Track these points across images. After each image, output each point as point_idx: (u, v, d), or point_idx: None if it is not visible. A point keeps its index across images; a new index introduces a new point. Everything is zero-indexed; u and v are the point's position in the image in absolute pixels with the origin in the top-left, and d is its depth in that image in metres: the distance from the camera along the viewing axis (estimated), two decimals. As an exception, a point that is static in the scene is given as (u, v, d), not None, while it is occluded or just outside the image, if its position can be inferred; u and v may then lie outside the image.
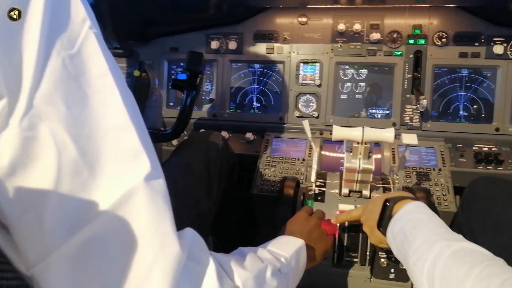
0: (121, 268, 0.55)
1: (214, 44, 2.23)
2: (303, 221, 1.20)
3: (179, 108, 1.63)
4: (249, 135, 2.17)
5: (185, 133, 2.26)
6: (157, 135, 1.60)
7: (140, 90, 1.58)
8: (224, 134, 2.18)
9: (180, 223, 1.23)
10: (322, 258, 1.22)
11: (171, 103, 2.33)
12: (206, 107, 2.29)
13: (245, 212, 2.00)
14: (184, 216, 1.26)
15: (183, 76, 1.51)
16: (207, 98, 2.30)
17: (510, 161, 1.92)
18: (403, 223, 1.00)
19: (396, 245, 1.01)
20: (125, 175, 0.56)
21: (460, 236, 0.88)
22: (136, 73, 1.49)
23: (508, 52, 1.98)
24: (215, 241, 1.85)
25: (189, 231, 0.71)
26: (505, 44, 1.98)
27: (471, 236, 1.42)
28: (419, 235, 0.91)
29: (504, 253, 1.14)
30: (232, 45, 2.22)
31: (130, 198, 0.56)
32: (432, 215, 0.99)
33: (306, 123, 1.55)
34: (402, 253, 0.97)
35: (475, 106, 2.04)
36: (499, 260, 0.78)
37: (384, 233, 1.08)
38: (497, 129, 1.98)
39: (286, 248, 0.98)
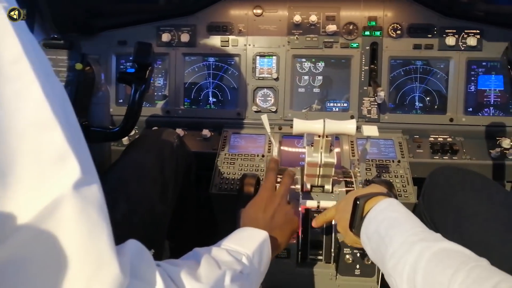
0: None
1: (166, 37, 2.11)
2: (266, 203, 1.12)
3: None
4: (206, 132, 2.07)
5: (137, 131, 2.13)
6: (104, 134, 1.48)
7: (84, 86, 1.45)
8: (179, 131, 2.07)
9: (132, 230, 1.13)
10: (288, 241, 1.14)
11: (121, 100, 2.18)
12: (159, 103, 2.17)
13: (204, 213, 1.91)
14: (136, 222, 1.15)
15: (130, 70, 1.39)
16: (160, 94, 2.18)
17: (464, 150, 1.96)
18: (377, 223, 0.91)
19: (372, 247, 0.92)
20: (48, 183, 0.46)
21: (439, 235, 0.83)
22: (78, 66, 1.35)
23: (460, 43, 2.01)
24: (171, 245, 1.74)
25: (132, 244, 0.61)
26: (456, 36, 2.01)
27: (433, 226, 1.42)
28: (395, 237, 0.84)
29: (468, 243, 1.13)
30: (185, 37, 2.11)
31: (56, 211, 0.46)
32: (407, 212, 0.93)
33: (265, 118, 1.48)
34: (379, 257, 0.89)
35: (429, 98, 2.06)
36: (483, 261, 0.73)
37: (358, 234, 0.99)
38: (451, 120, 2.02)
39: (248, 244, 0.89)
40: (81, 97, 1.41)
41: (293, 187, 1.42)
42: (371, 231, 0.93)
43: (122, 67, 2.18)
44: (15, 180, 0.44)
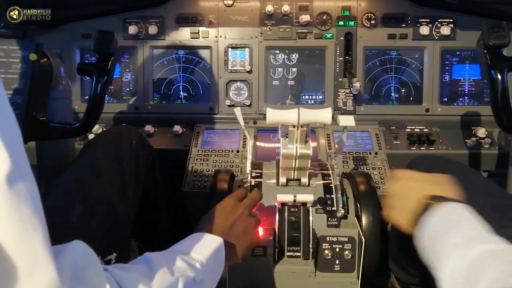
0: None
1: (132, 29, 2.01)
2: (229, 210, 1.09)
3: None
4: (177, 128, 1.98)
5: (104, 129, 2.02)
6: (63, 129, 1.38)
7: (40, 78, 1.34)
8: (149, 128, 1.97)
9: (91, 233, 1.04)
10: (245, 254, 1.10)
11: (86, 97, 2.06)
12: (127, 99, 2.07)
13: (177, 212, 1.82)
14: (95, 224, 1.07)
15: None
16: (128, 89, 2.08)
17: (440, 141, 1.94)
18: (441, 224, 0.86)
19: (427, 242, 0.87)
20: None
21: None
22: (33, 56, 1.24)
23: (434, 32, 1.99)
24: (141, 247, 1.65)
25: (77, 246, 0.54)
26: (430, 25, 1.99)
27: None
28: (456, 236, 0.79)
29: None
30: (153, 29, 2.01)
31: None
32: (474, 216, 0.86)
33: (238, 111, 1.41)
34: (432, 253, 0.84)
35: (405, 88, 2.04)
36: None
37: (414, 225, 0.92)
38: (427, 110, 2.00)
39: (202, 250, 0.88)
40: (37, 90, 1.30)
41: (268, 181, 1.36)
42: (433, 229, 0.86)
43: (87, 61, 2.06)
44: None
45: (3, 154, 0.43)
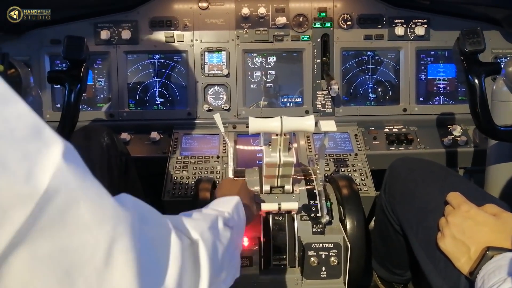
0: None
1: (104, 34, 1.94)
2: (230, 184, 1.18)
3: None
4: (155, 135, 1.93)
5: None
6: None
7: (9, 90, 1.27)
8: (125, 135, 1.92)
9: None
10: (256, 215, 1.19)
11: (58, 105, 1.98)
12: (101, 106, 2.00)
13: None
14: None
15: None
16: (102, 96, 2.01)
17: (418, 140, 1.97)
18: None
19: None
20: (39, 163, 0.42)
21: None
22: (-1, 68, 1.17)
23: (409, 33, 2.02)
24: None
25: (127, 197, 0.60)
26: (405, 26, 2.01)
27: (395, 219, 1.39)
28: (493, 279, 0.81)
29: (433, 237, 1.10)
30: (126, 34, 1.95)
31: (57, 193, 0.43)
32: None
33: (217, 117, 1.38)
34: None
35: (382, 88, 2.05)
36: None
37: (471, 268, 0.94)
38: (404, 110, 2.02)
39: (225, 206, 0.94)
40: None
41: (252, 189, 1.34)
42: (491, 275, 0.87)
43: (57, 68, 1.98)
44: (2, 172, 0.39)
45: (49, 132, 0.45)
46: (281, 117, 1.15)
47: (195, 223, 0.72)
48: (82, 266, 0.46)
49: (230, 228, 0.85)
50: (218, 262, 0.75)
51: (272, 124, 1.15)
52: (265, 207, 1.22)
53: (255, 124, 1.14)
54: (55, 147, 0.45)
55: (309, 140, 1.92)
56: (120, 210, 0.51)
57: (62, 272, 0.45)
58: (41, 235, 0.43)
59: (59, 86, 1.96)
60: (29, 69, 1.46)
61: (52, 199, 0.43)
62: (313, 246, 1.25)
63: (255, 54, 2.02)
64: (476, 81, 1.39)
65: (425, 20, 2.01)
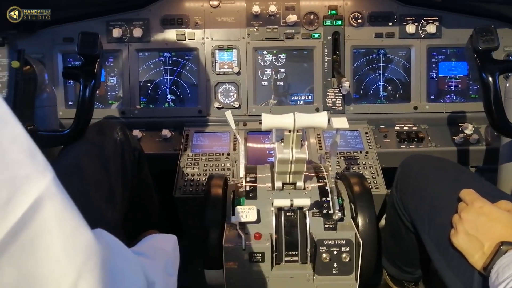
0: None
1: (116, 32, 1.96)
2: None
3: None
4: (166, 132, 1.94)
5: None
6: (54, 137, 1.32)
7: (25, 87, 1.29)
8: (136, 132, 1.93)
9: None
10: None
11: (71, 102, 2.01)
12: (113, 104, 2.02)
13: (166, 218, 1.78)
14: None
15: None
16: (114, 94, 2.03)
17: (429, 138, 1.96)
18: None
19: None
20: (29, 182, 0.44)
21: None
22: (15, 64, 1.19)
23: (420, 31, 2.01)
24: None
25: (103, 233, 0.62)
26: (416, 23, 2.00)
27: (407, 217, 1.39)
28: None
29: (443, 234, 1.10)
30: (137, 32, 1.97)
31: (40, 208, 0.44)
32: None
33: (229, 114, 1.39)
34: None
35: (393, 86, 2.05)
36: None
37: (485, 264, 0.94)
38: (415, 108, 2.01)
39: (166, 244, 0.96)
40: (22, 99, 1.25)
41: (263, 185, 1.35)
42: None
43: (70, 66, 2.00)
44: None
45: (41, 156, 0.47)
46: (294, 113, 1.15)
47: (152, 263, 0.73)
48: None
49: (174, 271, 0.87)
50: None
51: (285, 121, 1.15)
52: (277, 203, 1.23)
53: (268, 120, 1.15)
54: (43, 175, 0.46)
55: (319, 137, 1.92)
56: (93, 244, 0.50)
57: None
58: (9, 261, 0.42)
59: (72, 83, 1.98)
60: (42, 65, 1.47)
61: (25, 227, 0.43)
62: (325, 242, 1.25)
63: (265, 52, 2.03)
64: (490, 79, 1.38)
65: (436, 18, 2.00)
